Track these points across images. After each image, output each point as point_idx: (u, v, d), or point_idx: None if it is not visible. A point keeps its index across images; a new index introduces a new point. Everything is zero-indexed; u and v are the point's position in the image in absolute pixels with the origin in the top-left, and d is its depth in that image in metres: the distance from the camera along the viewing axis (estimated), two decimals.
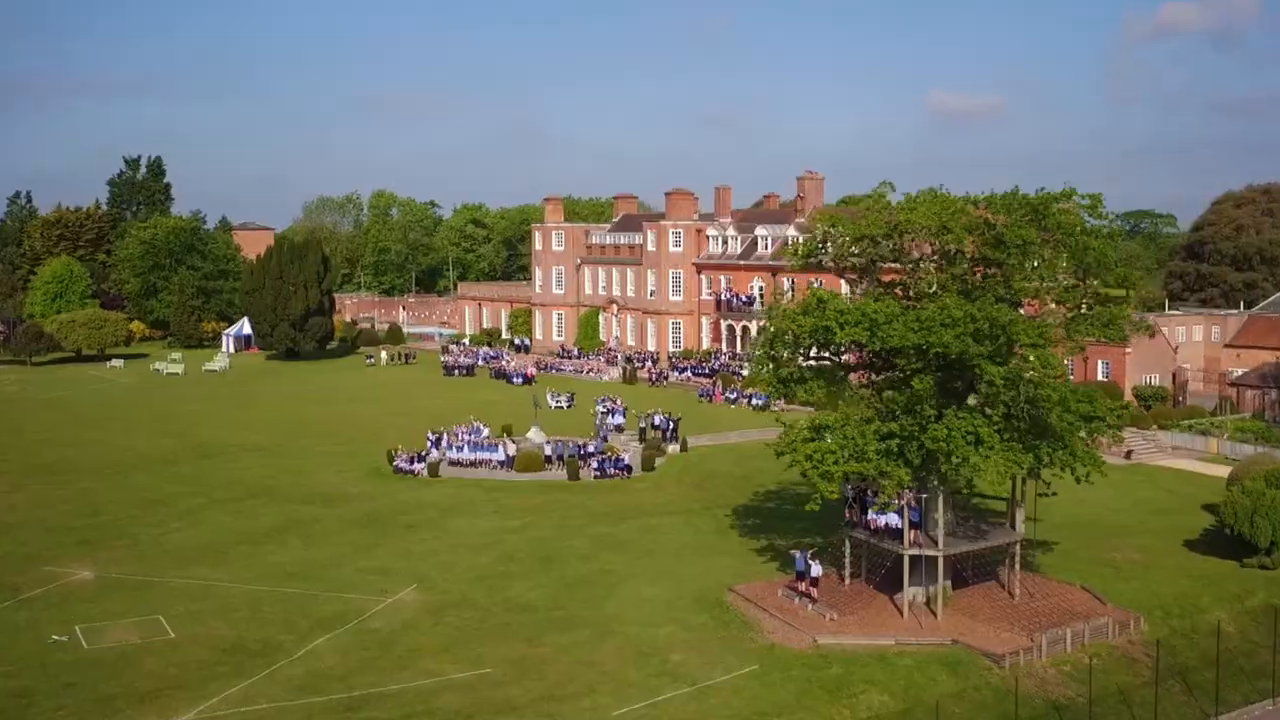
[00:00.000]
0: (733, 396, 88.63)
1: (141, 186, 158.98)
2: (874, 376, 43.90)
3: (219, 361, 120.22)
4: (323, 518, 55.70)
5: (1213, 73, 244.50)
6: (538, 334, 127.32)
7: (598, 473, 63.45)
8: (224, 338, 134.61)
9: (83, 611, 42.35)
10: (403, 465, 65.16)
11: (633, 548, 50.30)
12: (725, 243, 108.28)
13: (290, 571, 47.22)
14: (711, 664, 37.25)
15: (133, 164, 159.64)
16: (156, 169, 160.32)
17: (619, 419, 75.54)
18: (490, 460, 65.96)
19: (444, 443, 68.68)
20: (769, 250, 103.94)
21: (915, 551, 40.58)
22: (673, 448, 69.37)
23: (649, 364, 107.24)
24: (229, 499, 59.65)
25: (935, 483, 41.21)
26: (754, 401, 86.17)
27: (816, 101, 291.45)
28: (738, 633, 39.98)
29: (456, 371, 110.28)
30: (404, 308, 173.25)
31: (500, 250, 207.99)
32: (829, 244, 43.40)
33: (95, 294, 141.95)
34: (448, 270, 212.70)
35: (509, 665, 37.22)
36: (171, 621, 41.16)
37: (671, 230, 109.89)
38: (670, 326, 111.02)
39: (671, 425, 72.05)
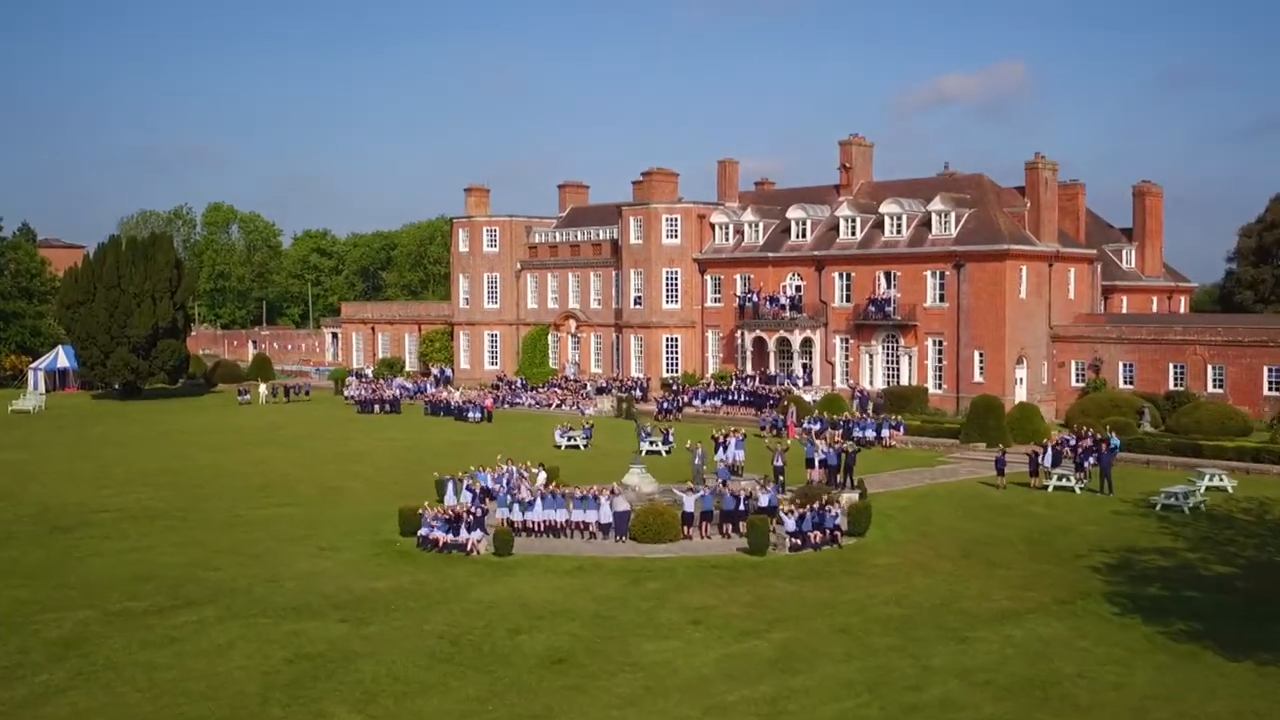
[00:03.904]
0: (816, 427, 62.61)
1: None
2: None
3: (31, 400, 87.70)
4: (361, 648, 27.17)
5: (984, 141, 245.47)
6: (463, 362, 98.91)
7: (796, 540, 36.73)
8: (30, 373, 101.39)
9: None
10: (438, 536, 37.09)
11: (1065, 701, 23.82)
12: (740, 231, 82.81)
13: None
14: None
15: None
16: None
17: (737, 452, 48.71)
18: (589, 524, 38.48)
19: (492, 498, 41.10)
20: (807, 239, 78.94)
21: None
22: (849, 496, 43.17)
23: (636, 392, 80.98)
24: (144, 611, 30.37)
25: None
26: (858, 434, 60.63)
27: (604, 159, 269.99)
28: None
29: (377, 407, 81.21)
30: (256, 342, 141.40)
31: (356, 282, 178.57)
32: None
33: None
34: (288, 307, 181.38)
35: None
36: None
37: (665, 216, 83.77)
38: (664, 344, 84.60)
39: (844, 462, 45.77)
